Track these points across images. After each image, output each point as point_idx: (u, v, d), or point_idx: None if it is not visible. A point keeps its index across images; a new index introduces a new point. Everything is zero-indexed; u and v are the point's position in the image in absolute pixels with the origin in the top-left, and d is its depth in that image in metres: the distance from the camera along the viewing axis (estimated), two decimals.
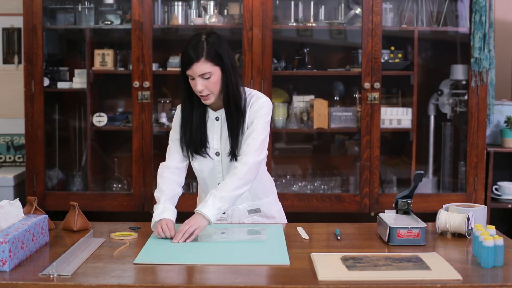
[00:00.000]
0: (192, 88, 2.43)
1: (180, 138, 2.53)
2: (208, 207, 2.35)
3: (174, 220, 2.41)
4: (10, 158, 4.62)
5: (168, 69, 4.22)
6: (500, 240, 1.99)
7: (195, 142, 2.50)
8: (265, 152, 2.52)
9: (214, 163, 2.54)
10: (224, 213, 2.55)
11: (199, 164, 2.56)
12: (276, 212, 2.71)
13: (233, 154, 2.48)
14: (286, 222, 2.70)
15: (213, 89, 2.41)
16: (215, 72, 2.39)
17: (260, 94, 2.54)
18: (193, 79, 2.39)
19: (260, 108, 2.49)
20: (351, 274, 1.91)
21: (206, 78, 2.38)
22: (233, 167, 2.47)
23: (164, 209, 2.41)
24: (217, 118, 2.52)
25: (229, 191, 2.39)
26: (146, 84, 4.04)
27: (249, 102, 2.50)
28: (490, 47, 4.04)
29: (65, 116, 4.44)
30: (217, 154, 2.53)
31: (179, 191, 2.55)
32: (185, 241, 2.28)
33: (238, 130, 2.47)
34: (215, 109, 2.52)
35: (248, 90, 2.55)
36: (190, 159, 2.56)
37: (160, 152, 4.35)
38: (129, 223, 2.55)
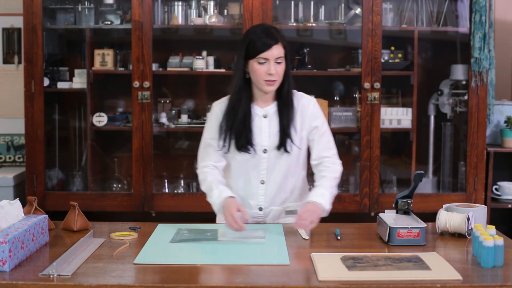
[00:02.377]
0: (257, 74, 2.44)
1: (225, 129, 2.52)
2: (325, 199, 2.41)
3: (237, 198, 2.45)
4: (10, 158, 4.62)
5: (168, 69, 4.22)
6: (500, 240, 1.99)
7: (239, 138, 2.50)
8: None
9: (260, 159, 2.54)
10: (261, 209, 2.59)
11: (243, 158, 2.55)
12: None
13: (284, 147, 2.50)
14: None
15: (281, 76, 2.46)
16: (284, 60, 2.47)
17: (308, 96, 2.60)
18: (264, 63, 2.43)
19: (317, 111, 2.56)
20: (351, 274, 1.91)
21: (278, 62, 2.44)
22: (324, 166, 2.53)
23: (221, 191, 2.45)
24: (264, 115, 2.53)
25: (334, 188, 2.49)
26: (146, 84, 4.04)
27: (299, 101, 2.54)
28: (490, 47, 4.04)
29: (65, 116, 4.44)
30: (265, 151, 2.53)
31: (225, 182, 2.55)
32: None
33: (289, 122, 2.50)
34: (262, 106, 2.54)
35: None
36: (232, 153, 2.54)
37: (160, 152, 4.36)
38: (129, 223, 2.55)
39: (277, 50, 2.43)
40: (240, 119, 2.48)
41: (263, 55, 2.42)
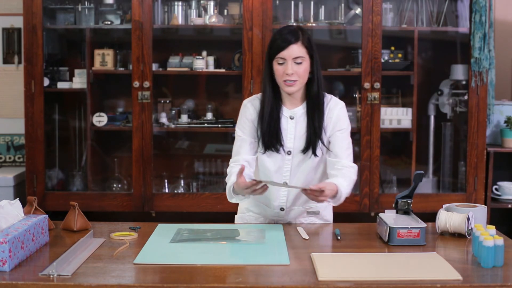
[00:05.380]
0: (277, 74, 2.44)
1: (256, 128, 2.52)
2: (345, 188, 2.40)
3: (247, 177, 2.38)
4: (10, 158, 4.62)
5: (168, 69, 4.22)
6: (500, 240, 1.99)
7: (268, 136, 2.49)
8: None
9: (283, 161, 2.53)
10: (283, 210, 2.58)
11: (269, 157, 2.54)
12: (331, 215, 2.73)
13: (313, 151, 2.49)
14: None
15: (302, 76, 2.44)
16: (306, 60, 2.44)
17: (336, 99, 2.57)
18: (283, 63, 2.43)
19: (343, 115, 2.54)
20: (351, 273, 1.91)
21: (298, 62, 2.42)
22: (343, 165, 2.49)
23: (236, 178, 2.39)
24: (291, 117, 2.52)
25: (351, 187, 2.49)
26: (146, 84, 4.05)
27: (327, 103, 2.52)
28: (490, 47, 4.04)
29: (65, 116, 4.44)
30: (289, 153, 2.53)
31: (250, 174, 2.49)
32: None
33: (321, 125, 2.48)
34: (290, 108, 2.53)
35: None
36: (261, 152, 2.54)
37: (160, 152, 4.36)
38: (129, 223, 2.55)
39: (296, 49, 2.42)
40: (268, 121, 2.48)
41: (281, 54, 2.42)
